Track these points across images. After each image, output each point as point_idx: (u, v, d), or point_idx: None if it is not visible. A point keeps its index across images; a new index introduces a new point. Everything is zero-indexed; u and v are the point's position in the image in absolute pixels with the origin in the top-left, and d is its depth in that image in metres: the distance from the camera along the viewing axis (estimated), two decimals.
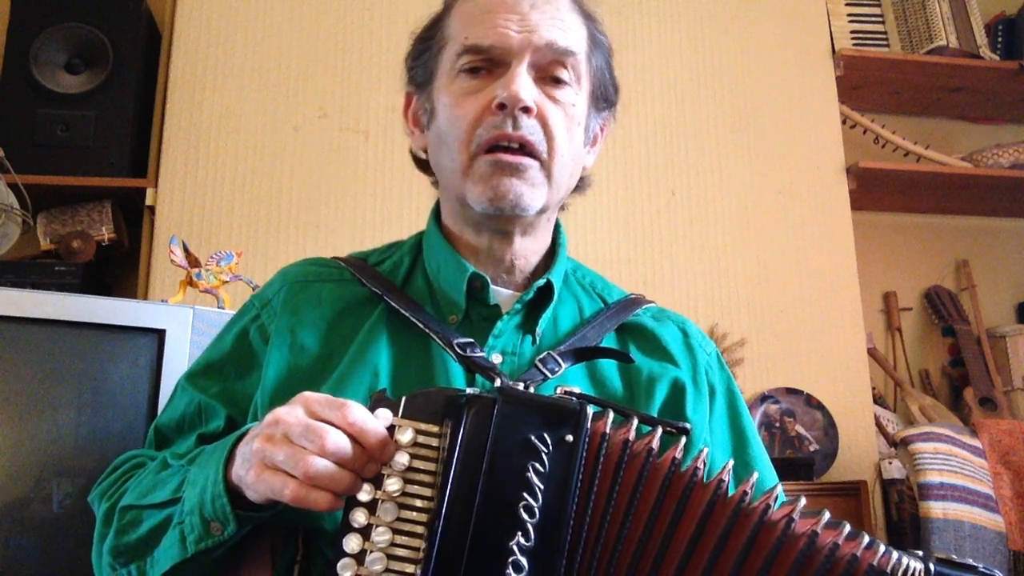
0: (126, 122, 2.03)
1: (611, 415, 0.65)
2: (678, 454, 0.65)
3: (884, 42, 2.45)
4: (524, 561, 0.59)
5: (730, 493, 0.65)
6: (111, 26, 2.05)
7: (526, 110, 0.81)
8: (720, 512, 0.64)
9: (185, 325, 1.34)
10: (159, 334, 1.33)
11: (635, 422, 0.66)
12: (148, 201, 1.99)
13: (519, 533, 0.60)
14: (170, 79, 2.07)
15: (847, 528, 0.62)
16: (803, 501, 0.64)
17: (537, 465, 0.61)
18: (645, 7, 2.29)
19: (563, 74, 0.85)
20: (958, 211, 2.62)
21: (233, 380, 0.87)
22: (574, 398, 0.67)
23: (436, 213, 0.95)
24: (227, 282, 1.57)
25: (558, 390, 0.69)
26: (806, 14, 2.36)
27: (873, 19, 2.47)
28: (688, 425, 0.70)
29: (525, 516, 0.60)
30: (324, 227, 2.03)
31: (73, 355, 1.31)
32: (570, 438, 0.62)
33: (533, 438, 0.62)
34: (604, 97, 0.93)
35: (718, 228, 2.18)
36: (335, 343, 0.85)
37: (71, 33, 2.03)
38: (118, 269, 2.15)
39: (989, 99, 2.57)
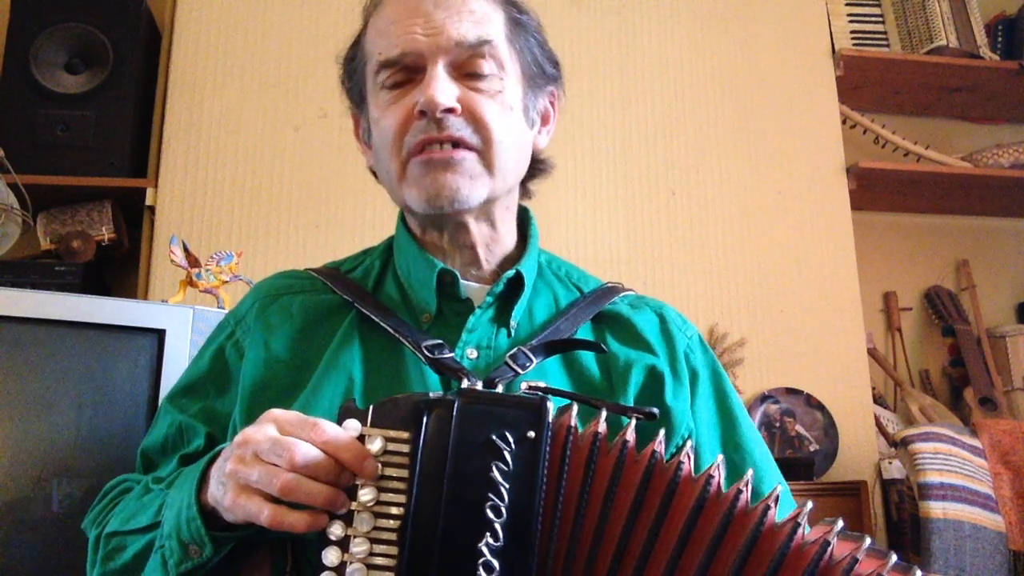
0: (126, 122, 2.03)
1: (575, 407, 0.65)
2: (658, 447, 0.63)
3: (884, 42, 2.45)
4: (494, 561, 0.59)
5: (724, 488, 0.62)
6: (111, 26, 2.04)
7: (448, 111, 0.81)
8: (712, 510, 0.61)
9: (185, 325, 1.34)
10: (159, 334, 1.33)
11: (604, 414, 0.65)
12: (148, 201, 1.99)
13: (488, 534, 0.59)
14: (170, 79, 2.07)
15: (893, 558, 0.57)
16: (809, 504, 0.60)
17: (500, 464, 0.61)
18: (645, 7, 2.29)
19: (483, 67, 0.84)
20: (958, 211, 2.62)
21: (213, 399, 0.87)
22: (537, 393, 0.66)
23: (403, 216, 0.95)
24: (227, 282, 1.57)
25: (524, 385, 0.69)
26: (806, 14, 2.36)
27: (873, 19, 2.47)
28: (655, 410, 0.69)
29: (492, 516, 0.60)
30: (324, 227, 2.03)
31: (73, 355, 1.31)
32: (532, 434, 0.62)
33: (495, 437, 0.61)
34: (540, 74, 0.91)
35: (718, 228, 2.18)
36: (308, 353, 0.84)
37: (71, 33, 2.03)
38: (118, 269, 2.15)
39: (989, 99, 2.57)
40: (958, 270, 2.60)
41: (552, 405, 0.64)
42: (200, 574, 0.71)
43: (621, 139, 2.19)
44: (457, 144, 0.82)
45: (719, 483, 0.62)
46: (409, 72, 0.84)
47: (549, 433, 0.62)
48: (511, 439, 0.61)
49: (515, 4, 0.90)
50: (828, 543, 0.58)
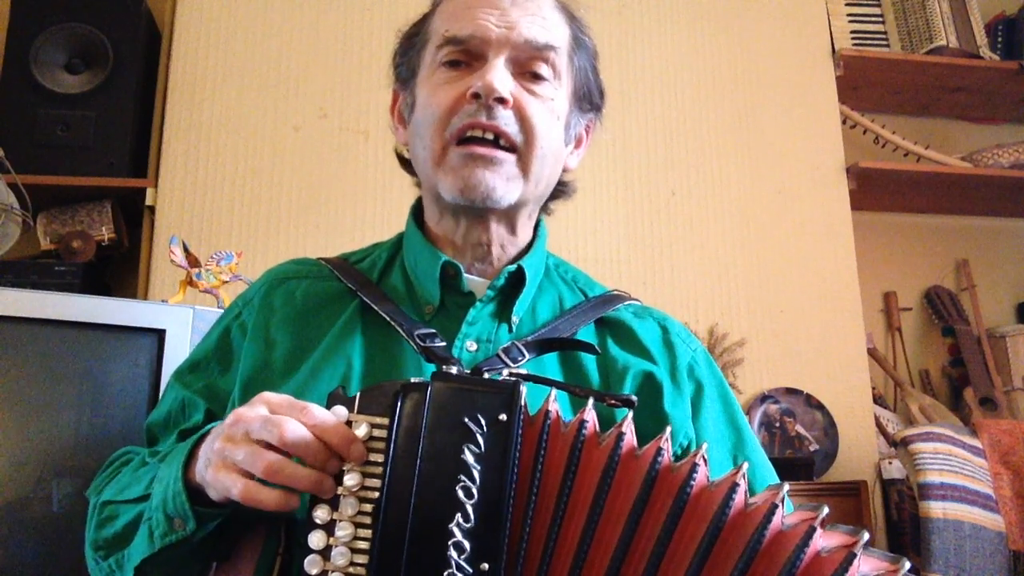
0: (126, 122, 2.03)
1: (554, 393, 0.65)
2: (664, 444, 0.61)
3: (884, 42, 2.45)
4: (465, 542, 0.59)
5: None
6: (111, 26, 2.04)
7: (501, 101, 0.82)
8: (740, 523, 0.57)
9: (185, 325, 1.34)
10: (159, 334, 1.33)
11: (591, 402, 0.65)
12: (148, 201, 1.99)
13: (459, 514, 0.60)
14: (170, 79, 2.07)
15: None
16: (866, 536, 0.54)
17: (472, 446, 0.61)
18: (645, 7, 2.29)
19: (542, 70, 0.86)
20: (958, 211, 2.62)
21: (216, 376, 0.89)
22: (513, 379, 0.66)
23: (414, 211, 0.96)
24: (227, 282, 1.57)
25: (505, 373, 0.69)
26: (806, 14, 2.36)
27: (873, 19, 2.47)
28: (634, 397, 0.69)
29: (463, 497, 0.60)
30: (324, 227, 2.03)
31: (73, 355, 1.31)
32: (504, 417, 0.62)
33: (467, 420, 0.62)
34: (588, 98, 0.94)
35: (718, 228, 2.18)
36: (308, 337, 0.86)
37: (71, 33, 2.03)
38: (118, 269, 2.15)
39: (989, 99, 2.57)
40: (958, 270, 2.60)
41: (524, 388, 0.64)
42: (185, 548, 0.72)
43: (621, 139, 2.19)
44: (499, 140, 0.83)
45: (745, 493, 0.59)
46: (470, 57, 0.86)
47: (521, 416, 0.62)
48: (483, 421, 0.62)
49: (580, 25, 0.93)
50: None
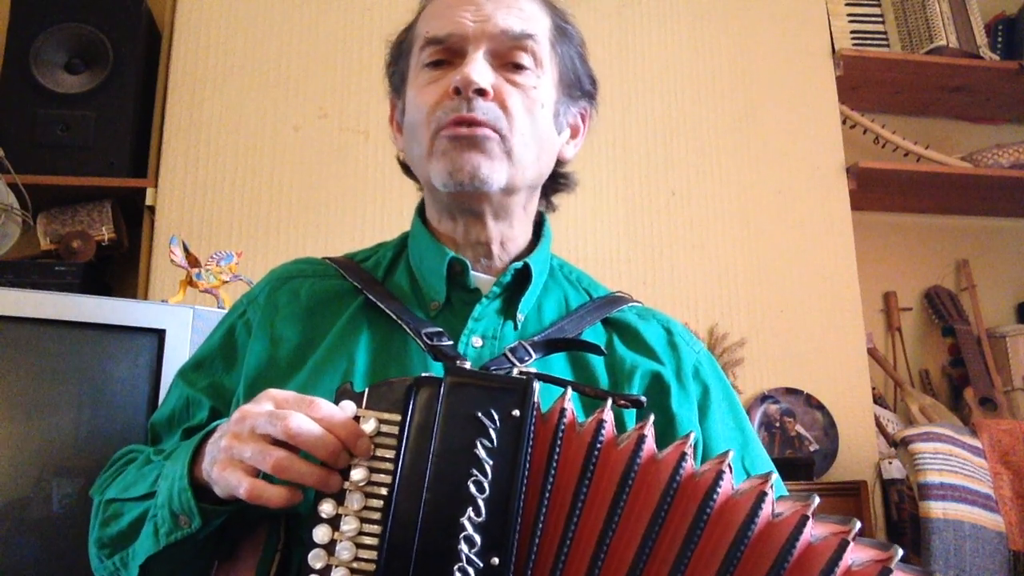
0: (126, 122, 2.03)
1: (569, 392, 0.65)
2: (688, 448, 0.61)
3: (884, 42, 2.45)
4: (476, 536, 0.59)
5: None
6: (111, 26, 2.04)
7: (481, 93, 0.83)
8: (767, 539, 0.56)
9: (185, 325, 1.34)
10: (159, 334, 1.33)
11: (609, 402, 0.64)
12: (148, 201, 1.99)
13: (470, 508, 0.60)
14: (170, 79, 2.07)
15: None
16: (900, 552, 0.53)
17: (485, 441, 0.61)
18: (645, 7, 2.29)
19: (523, 59, 0.87)
20: (958, 211, 2.62)
21: (220, 375, 0.89)
22: (526, 376, 0.66)
23: (419, 209, 0.97)
24: (227, 282, 1.57)
25: (516, 372, 0.70)
26: (806, 14, 2.36)
27: (873, 19, 2.47)
28: (643, 398, 0.70)
29: (475, 491, 0.60)
30: (324, 227, 2.03)
31: (73, 355, 1.31)
32: (517, 413, 0.62)
33: (480, 415, 0.62)
34: (577, 85, 0.95)
35: (718, 228, 2.18)
36: (312, 334, 0.86)
37: (71, 33, 2.03)
38: (118, 269, 2.15)
39: (989, 99, 2.57)
40: (958, 270, 2.60)
41: (538, 385, 0.64)
42: (189, 546, 0.73)
43: (621, 139, 2.19)
44: (482, 126, 0.84)
45: (772, 503, 0.58)
46: (451, 55, 0.87)
47: (534, 412, 0.62)
48: (496, 416, 0.62)
49: (562, 14, 0.94)
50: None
